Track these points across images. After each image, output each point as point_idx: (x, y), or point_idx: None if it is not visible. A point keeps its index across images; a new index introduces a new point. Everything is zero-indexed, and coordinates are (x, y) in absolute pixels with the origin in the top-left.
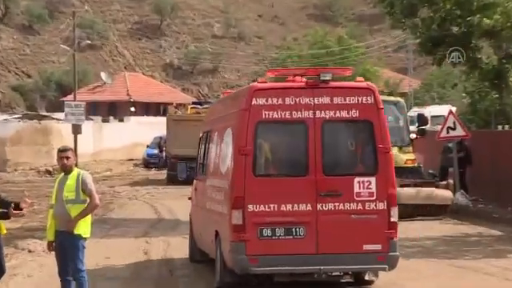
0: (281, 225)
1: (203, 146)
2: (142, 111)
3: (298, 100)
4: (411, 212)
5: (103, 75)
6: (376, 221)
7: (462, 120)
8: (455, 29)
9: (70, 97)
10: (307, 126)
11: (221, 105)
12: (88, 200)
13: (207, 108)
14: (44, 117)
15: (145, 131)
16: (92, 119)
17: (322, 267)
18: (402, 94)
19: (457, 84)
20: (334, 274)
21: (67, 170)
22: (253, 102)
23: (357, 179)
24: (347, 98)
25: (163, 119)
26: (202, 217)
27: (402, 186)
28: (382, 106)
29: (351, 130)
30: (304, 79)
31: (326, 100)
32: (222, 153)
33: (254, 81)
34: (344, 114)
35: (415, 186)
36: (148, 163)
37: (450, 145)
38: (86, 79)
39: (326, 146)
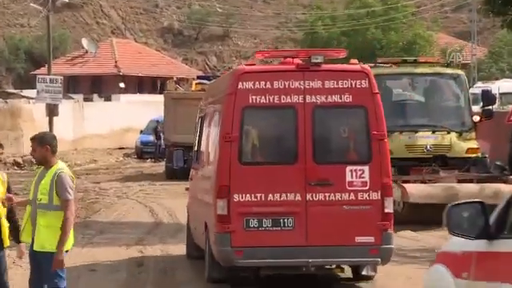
0: (268, 215)
1: (198, 133)
2: (134, 88)
3: (287, 84)
4: None
5: (85, 42)
6: (369, 212)
7: None
8: None
9: (44, 70)
10: (297, 112)
11: (213, 87)
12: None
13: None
14: (11, 94)
15: (138, 113)
16: (72, 98)
17: (310, 260)
18: (463, 66)
19: None
20: (325, 267)
21: (43, 165)
22: (239, 86)
23: (349, 168)
24: (340, 82)
25: (160, 98)
26: (195, 208)
27: (460, 181)
28: (376, 91)
29: (344, 115)
30: (297, 61)
31: (317, 84)
32: (211, 140)
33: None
34: (336, 98)
35: (478, 181)
36: (142, 153)
37: None
38: (64, 47)
39: (316, 133)
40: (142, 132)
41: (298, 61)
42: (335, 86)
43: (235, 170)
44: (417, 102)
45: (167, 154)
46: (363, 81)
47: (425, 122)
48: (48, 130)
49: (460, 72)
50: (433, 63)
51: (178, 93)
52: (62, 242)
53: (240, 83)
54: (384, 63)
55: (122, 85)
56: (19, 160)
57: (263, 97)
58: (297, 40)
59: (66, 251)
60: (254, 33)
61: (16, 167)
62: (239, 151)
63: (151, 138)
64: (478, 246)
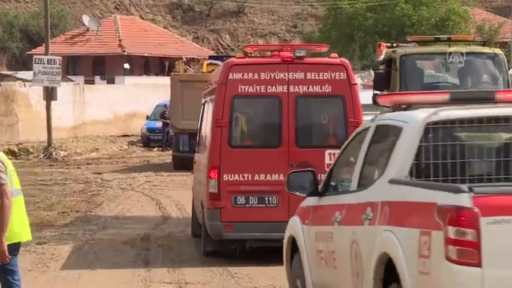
0: (254, 193)
1: (200, 118)
2: (140, 69)
3: (272, 75)
4: None
5: (86, 19)
6: None
7: None
8: None
9: (41, 49)
10: (281, 101)
11: (213, 76)
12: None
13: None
14: (5, 77)
15: (144, 97)
16: (71, 80)
17: None
18: (502, 45)
19: None
20: None
21: None
22: (229, 77)
23: (328, 151)
24: (320, 74)
25: (168, 80)
26: (196, 188)
27: None
28: (354, 82)
29: (324, 104)
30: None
31: (299, 75)
32: (208, 125)
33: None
34: (317, 89)
35: None
36: (148, 141)
37: None
38: (63, 25)
39: (298, 120)
40: (148, 118)
41: (285, 53)
42: (316, 77)
43: (225, 152)
44: (451, 84)
45: (174, 142)
46: (342, 73)
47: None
48: (45, 115)
49: (498, 51)
50: (468, 41)
51: (186, 75)
52: (1, 231)
53: (230, 74)
54: (414, 42)
55: (126, 66)
56: (14, 148)
57: (251, 87)
58: (318, 16)
59: (17, 244)
60: (271, 8)
61: (11, 156)
62: (229, 136)
63: (159, 124)
64: (313, 201)
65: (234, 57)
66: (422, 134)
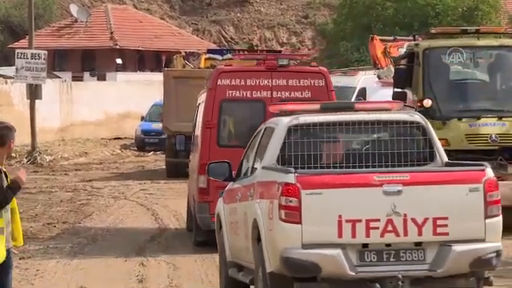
0: None
1: (195, 119)
2: (134, 64)
3: (257, 81)
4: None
5: (74, 9)
6: None
7: None
8: None
9: (24, 42)
10: (265, 104)
11: (207, 80)
12: None
13: (229, 60)
14: None
15: (138, 95)
16: (58, 77)
17: None
18: None
19: None
20: None
21: None
22: (218, 83)
23: None
24: (301, 81)
25: None
26: (191, 186)
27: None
28: (332, 89)
29: None
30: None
31: (282, 82)
32: (199, 126)
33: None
34: (298, 94)
35: None
36: (143, 144)
37: None
38: (48, 15)
39: None
40: (143, 119)
41: (270, 62)
42: (297, 84)
43: (214, 151)
44: (480, 81)
45: (167, 146)
46: (320, 80)
47: (489, 107)
48: (29, 115)
49: None
50: (499, 34)
51: (180, 70)
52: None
53: (219, 80)
54: (439, 34)
55: (118, 61)
56: None
57: (238, 92)
58: (332, 6)
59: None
60: None
61: None
62: (217, 136)
63: (155, 125)
64: (230, 186)
65: (235, 50)
66: (286, 133)
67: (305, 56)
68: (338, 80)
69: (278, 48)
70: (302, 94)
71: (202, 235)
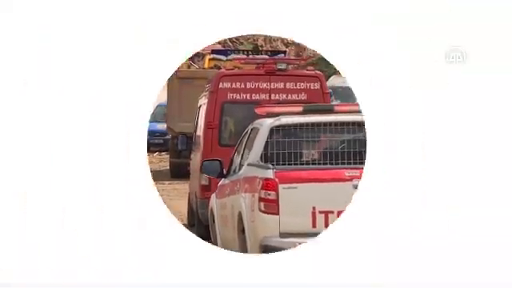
0: None
1: (196, 120)
2: None
3: (257, 85)
4: None
5: None
6: None
7: None
8: None
9: None
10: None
11: (208, 83)
12: None
13: (234, 61)
14: None
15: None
16: None
17: None
18: None
19: None
20: None
21: None
22: (220, 86)
23: None
24: (298, 84)
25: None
26: (192, 183)
27: None
28: (327, 91)
29: None
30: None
31: (280, 85)
32: (201, 127)
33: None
34: (294, 96)
35: None
36: (148, 145)
37: None
38: None
39: None
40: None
41: (269, 66)
42: (294, 87)
43: (215, 150)
44: None
45: (170, 147)
46: (316, 83)
47: None
48: None
49: None
50: None
51: (184, 71)
52: None
53: (220, 83)
54: None
55: None
56: None
57: (238, 94)
58: None
59: None
60: None
61: None
62: (219, 136)
63: (160, 126)
64: (222, 182)
65: (240, 51)
66: (269, 133)
67: (302, 60)
68: (343, 81)
69: (283, 49)
70: (298, 97)
71: (203, 229)
